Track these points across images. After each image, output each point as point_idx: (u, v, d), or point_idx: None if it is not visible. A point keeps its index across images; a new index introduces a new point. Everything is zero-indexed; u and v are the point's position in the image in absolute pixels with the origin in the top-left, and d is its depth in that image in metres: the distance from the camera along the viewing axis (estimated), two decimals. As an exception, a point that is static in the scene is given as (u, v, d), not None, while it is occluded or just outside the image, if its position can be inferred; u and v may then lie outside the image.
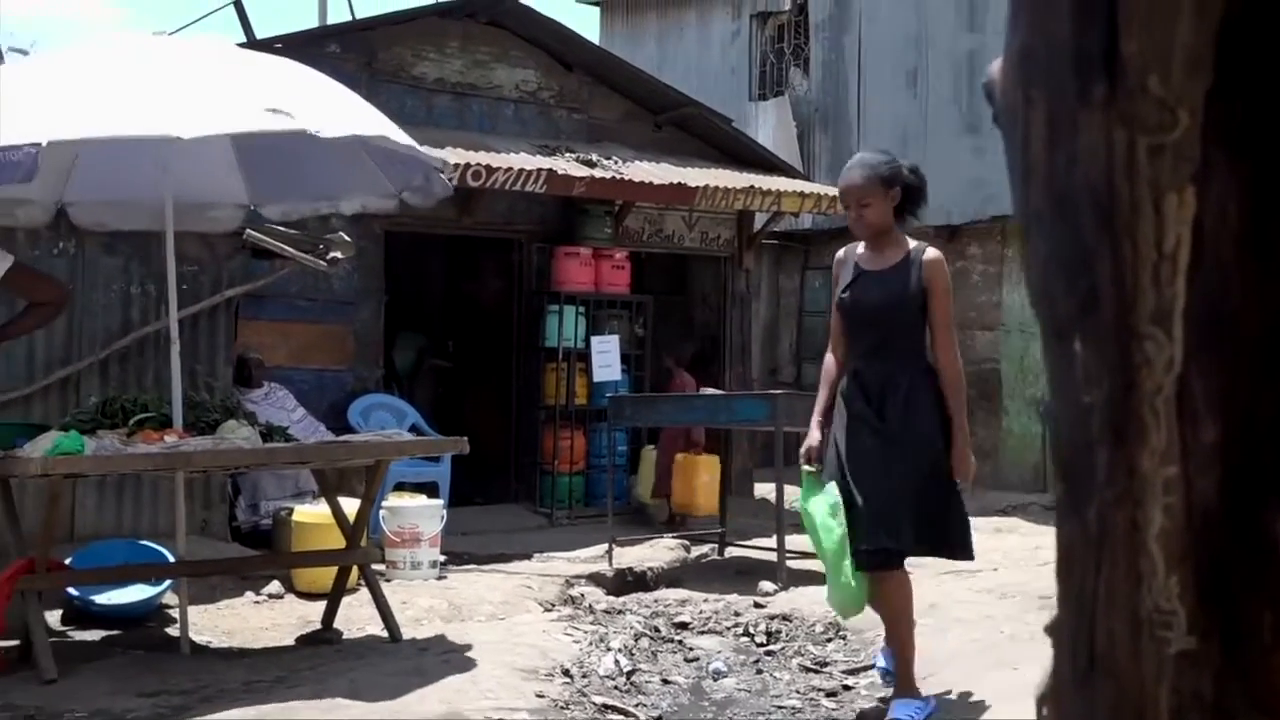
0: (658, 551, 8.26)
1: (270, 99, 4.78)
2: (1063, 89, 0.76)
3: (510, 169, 8.77)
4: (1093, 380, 0.77)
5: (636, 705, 4.87)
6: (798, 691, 5.19)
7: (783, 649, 5.82)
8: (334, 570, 5.97)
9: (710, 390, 9.03)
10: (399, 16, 9.63)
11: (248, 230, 6.90)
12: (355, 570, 5.97)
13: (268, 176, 6.09)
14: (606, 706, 4.73)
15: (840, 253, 4.69)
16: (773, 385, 13.13)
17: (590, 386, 9.80)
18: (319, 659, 5.26)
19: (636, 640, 5.86)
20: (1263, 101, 0.72)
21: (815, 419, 4.64)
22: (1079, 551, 0.80)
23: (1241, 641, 0.74)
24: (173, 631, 5.93)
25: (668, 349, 10.48)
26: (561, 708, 4.64)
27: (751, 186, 10.16)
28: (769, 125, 13.21)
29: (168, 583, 6.09)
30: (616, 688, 5.14)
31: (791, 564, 7.37)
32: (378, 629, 5.80)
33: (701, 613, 6.43)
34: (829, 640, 5.91)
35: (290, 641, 5.80)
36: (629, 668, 5.37)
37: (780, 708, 4.97)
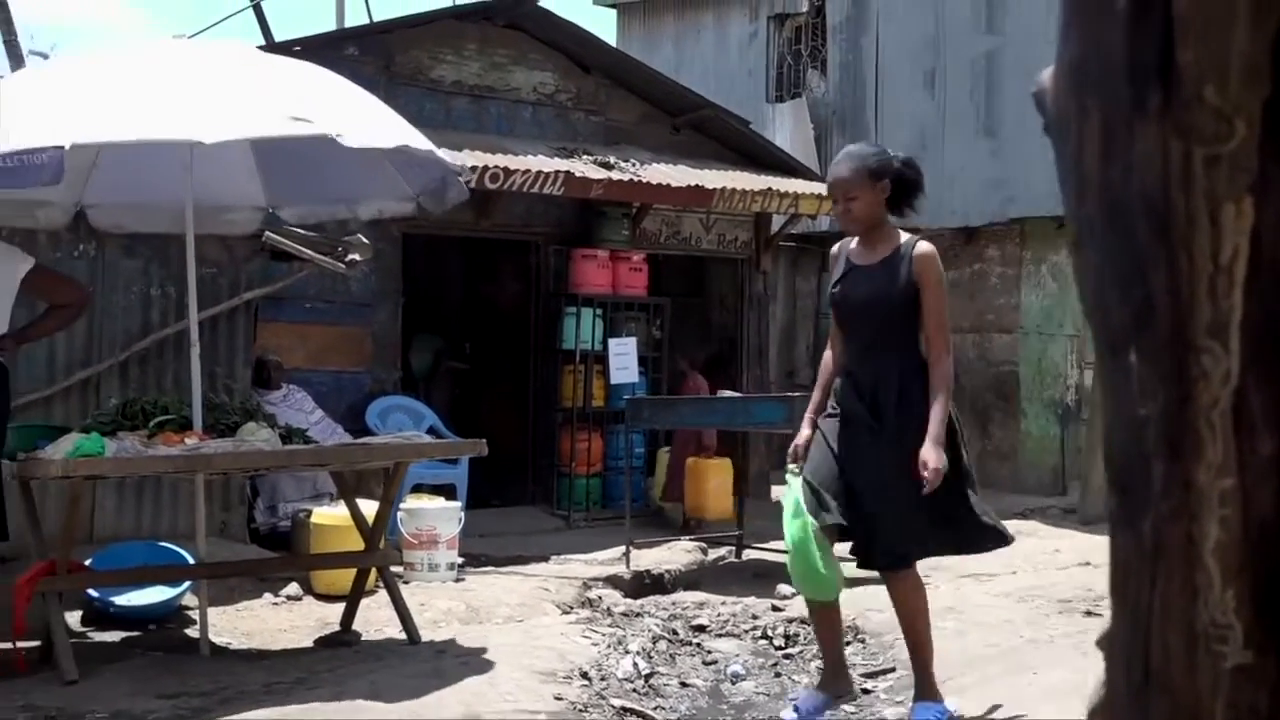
0: (675, 554, 8.26)
1: (292, 104, 4.80)
2: (1117, 99, 0.76)
3: (528, 171, 8.78)
4: (1148, 393, 0.76)
5: (655, 708, 4.86)
6: (816, 695, 5.17)
7: (801, 652, 5.80)
8: (352, 572, 5.98)
9: (727, 393, 9.02)
10: (417, 19, 9.65)
11: (267, 233, 6.92)
12: (373, 572, 5.98)
13: (286, 180, 6.11)
14: (625, 709, 4.73)
15: (835, 247, 4.61)
16: (789, 387, 13.11)
17: (608, 388, 9.80)
18: (338, 661, 5.27)
19: (654, 643, 5.86)
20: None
21: (808, 416, 4.55)
22: (1134, 565, 0.80)
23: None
24: (192, 633, 5.95)
25: (682, 352, 10.48)
26: (580, 710, 4.64)
27: (769, 189, 10.15)
28: (786, 127, 13.19)
29: (187, 584, 6.11)
30: (635, 690, 5.13)
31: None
32: (396, 631, 5.81)
33: (719, 615, 6.43)
34: (847, 644, 5.87)
35: (309, 643, 5.80)
36: (647, 670, 5.37)
37: (799, 711, 4.95)
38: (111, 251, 6.98)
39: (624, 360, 9.71)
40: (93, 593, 5.92)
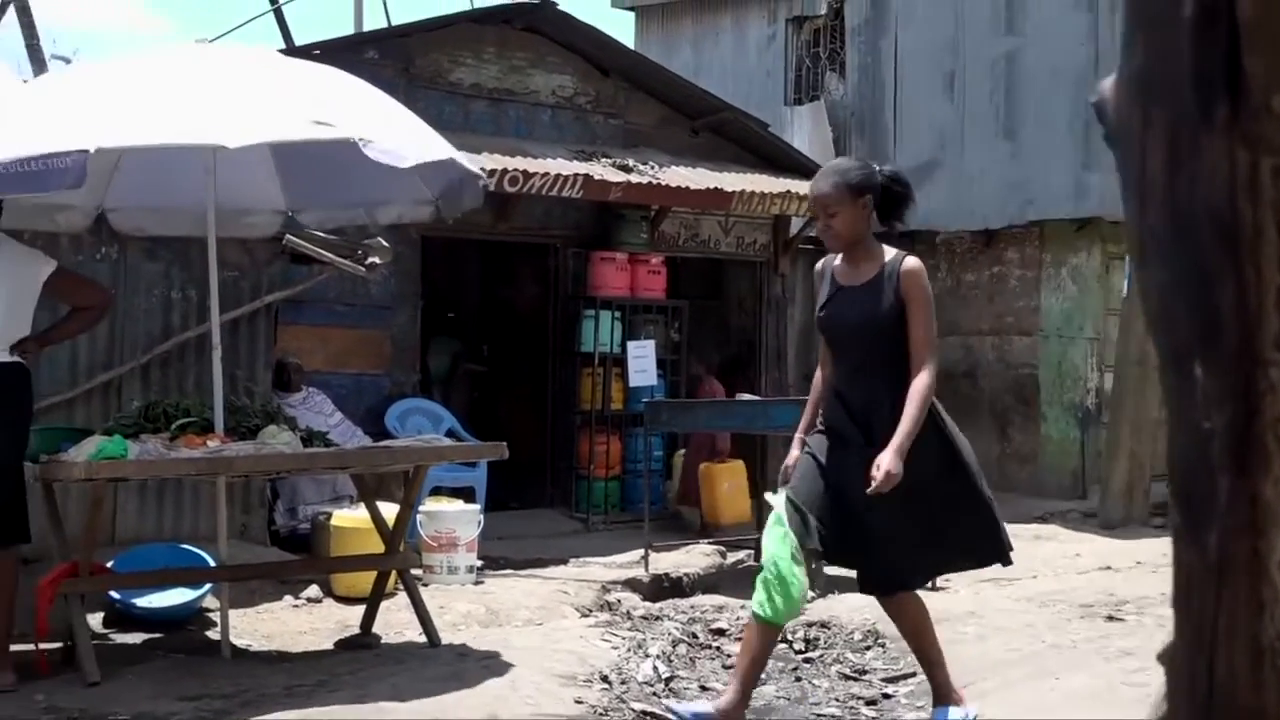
0: (693, 557, 8.25)
1: (314, 108, 4.80)
2: (1183, 109, 0.74)
3: (547, 174, 8.79)
4: (1214, 407, 0.75)
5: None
6: (837, 700, 5.16)
7: (821, 656, 5.79)
8: (372, 575, 5.98)
9: (746, 396, 9.01)
10: (436, 22, 9.66)
11: (287, 235, 6.92)
12: (393, 575, 5.98)
13: (305, 183, 6.12)
14: (646, 713, 4.72)
15: (819, 264, 4.46)
16: (808, 390, 13.06)
17: (626, 391, 9.80)
18: (359, 664, 5.27)
19: (674, 646, 5.85)
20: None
21: (797, 436, 4.41)
22: (1198, 579, 0.78)
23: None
24: (212, 635, 5.96)
25: (698, 356, 10.47)
26: (601, 714, 4.64)
27: (788, 191, 10.14)
28: (805, 130, 13.17)
29: (208, 586, 6.12)
30: (655, 694, 5.12)
31: (828, 571, 7.33)
32: (416, 634, 5.81)
33: (739, 619, 6.40)
34: (868, 648, 5.87)
35: (329, 646, 5.81)
36: (667, 674, 5.36)
37: (820, 716, 4.94)
38: (133, 255, 7.01)
39: (642, 363, 9.71)
40: (114, 594, 5.94)
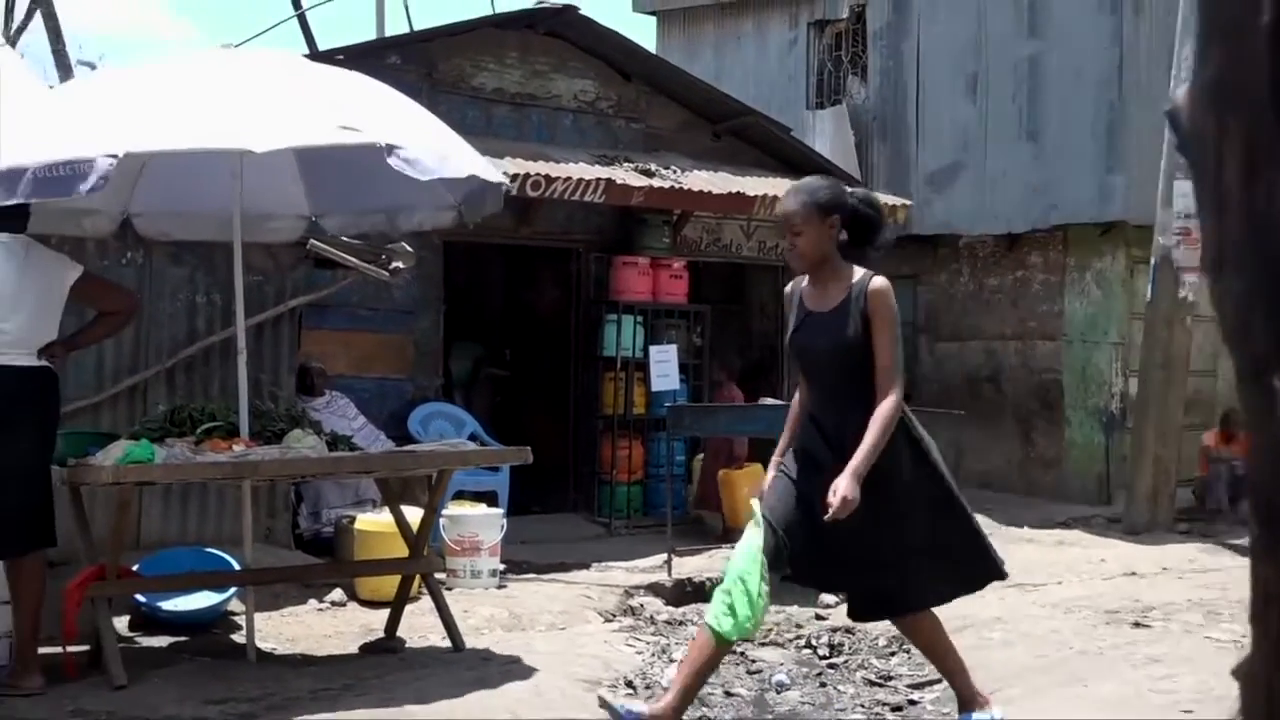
0: (716, 562, 8.22)
1: (340, 113, 4.82)
2: (1261, 118, 0.73)
3: (569, 179, 8.79)
4: (1293, 419, 0.73)
5: (700, 718, 4.84)
6: (862, 706, 5.14)
7: (846, 662, 5.76)
8: (396, 578, 5.99)
9: (769, 400, 8.99)
10: (458, 27, 9.68)
11: (311, 240, 6.96)
12: (417, 578, 5.99)
13: (329, 189, 6.13)
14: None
15: (788, 287, 4.36)
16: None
17: (648, 396, 9.80)
18: (384, 668, 5.28)
19: (699, 652, 5.82)
20: None
21: (774, 460, 4.32)
22: (1276, 594, 0.77)
23: None
24: (237, 638, 5.98)
25: (720, 361, 10.46)
26: None
27: (810, 195, 10.10)
28: (827, 134, 13.15)
29: (233, 590, 6.14)
30: (680, 700, 5.11)
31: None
32: (439, 638, 5.81)
33: (763, 624, 6.39)
34: (892, 654, 5.85)
35: (354, 649, 5.82)
36: (692, 680, 5.34)
37: (845, 722, 4.93)
38: (158, 259, 7.04)
39: (665, 368, 9.69)
40: (140, 598, 5.96)
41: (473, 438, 8.55)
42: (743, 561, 4.07)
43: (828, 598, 6.99)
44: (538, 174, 8.65)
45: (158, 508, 6.94)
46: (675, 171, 9.75)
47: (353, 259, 7.30)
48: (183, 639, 5.94)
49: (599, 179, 8.96)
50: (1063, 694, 4.89)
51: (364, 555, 6.66)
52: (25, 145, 4.72)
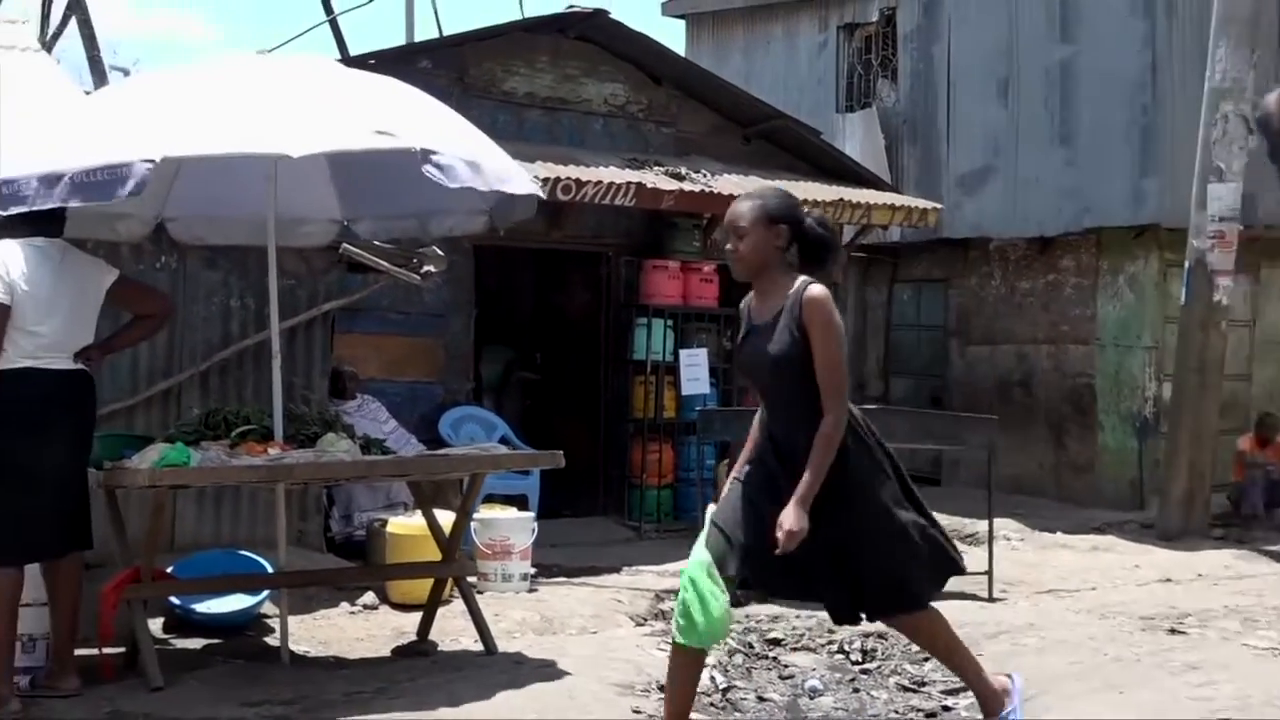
0: (747, 567, 8.20)
1: (375, 118, 4.83)
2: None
3: (599, 183, 8.80)
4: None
5: (733, 723, 4.83)
6: (896, 711, 5.12)
7: (879, 667, 5.74)
8: (428, 582, 6.01)
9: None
10: (489, 32, 9.70)
11: (344, 245, 6.99)
12: (449, 582, 6.00)
13: (361, 193, 6.15)
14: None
15: (742, 303, 4.28)
16: (859, 400, 12.97)
17: (679, 400, 9.79)
18: (416, 671, 5.29)
19: (730, 656, 5.82)
20: None
21: (733, 475, 4.24)
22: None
23: None
24: (271, 641, 6.01)
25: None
26: (658, 724, 4.62)
27: (841, 199, 10.09)
28: (857, 137, 13.11)
29: (265, 592, 6.16)
30: (713, 704, 5.11)
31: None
32: (471, 641, 5.82)
33: (794, 629, 6.37)
34: (926, 659, 5.79)
35: (386, 652, 5.84)
36: (724, 684, 5.34)
37: (879, 727, 4.90)
38: (192, 263, 7.08)
39: (695, 371, 9.70)
40: (174, 600, 5.99)
41: (503, 441, 8.57)
42: (691, 567, 3.99)
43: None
44: (568, 178, 8.66)
45: (191, 510, 6.98)
46: (705, 175, 9.74)
47: (384, 263, 7.32)
48: (216, 641, 5.97)
49: (629, 183, 8.96)
50: (1099, 701, 4.85)
51: (396, 558, 6.68)
52: (63, 150, 4.76)
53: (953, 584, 7.61)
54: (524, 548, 7.23)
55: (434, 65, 9.27)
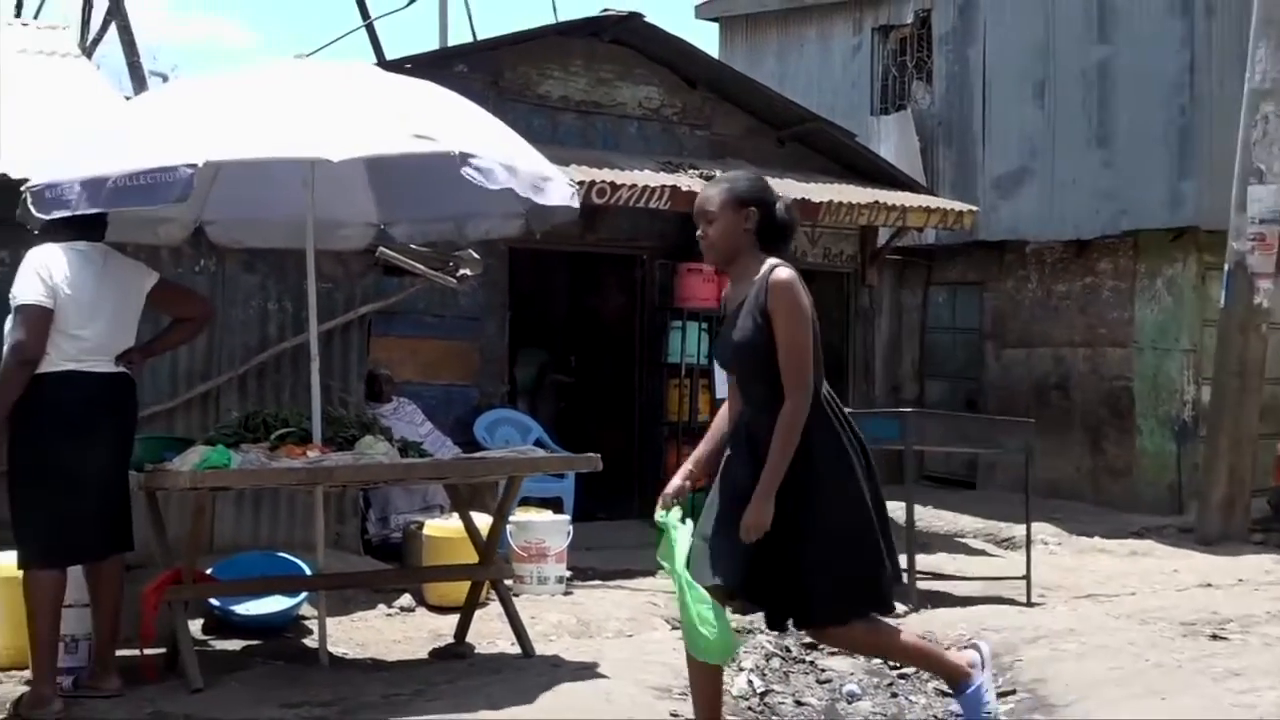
0: (782, 570, 8.17)
1: (415, 121, 4.85)
2: None
3: (634, 186, 8.80)
4: None
5: (771, 727, 4.82)
6: (935, 716, 5.11)
7: (917, 672, 5.69)
8: (465, 585, 6.02)
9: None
10: (524, 36, 9.73)
11: (380, 248, 7.01)
12: (485, 585, 6.01)
13: (398, 197, 6.16)
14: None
15: (724, 293, 4.22)
16: (895, 403, 12.96)
17: (713, 403, 9.77)
18: (454, 673, 5.30)
19: (768, 660, 5.81)
20: None
21: (685, 466, 4.12)
22: None
23: None
24: (309, 642, 6.03)
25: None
26: (696, 728, 4.60)
27: (875, 202, 10.06)
28: (891, 140, 13.07)
29: (304, 594, 6.19)
30: (750, 709, 5.10)
31: (921, 585, 7.25)
32: (508, 644, 5.83)
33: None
34: (965, 664, 5.77)
35: (423, 654, 5.85)
36: (762, 689, 5.33)
37: (918, 733, 4.88)
38: (231, 267, 7.12)
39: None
40: (214, 601, 6.02)
41: (538, 444, 8.57)
42: (678, 587, 3.89)
43: (898, 606, 6.92)
44: (603, 181, 8.67)
45: (230, 512, 7.02)
46: (740, 178, 9.72)
47: (421, 266, 7.35)
48: (255, 642, 6.00)
49: (664, 186, 8.95)
50: (1140, 707, 4.80)
51: (433, 561, 6.70)
52: (106, 154, 4.80)
53: (991, 588, 7.67)
54: (559, 550, 7.24)
55: (469, 69, 9.30)
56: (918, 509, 7.68)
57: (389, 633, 6.30)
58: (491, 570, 5.78)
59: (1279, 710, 4.65)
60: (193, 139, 4.63)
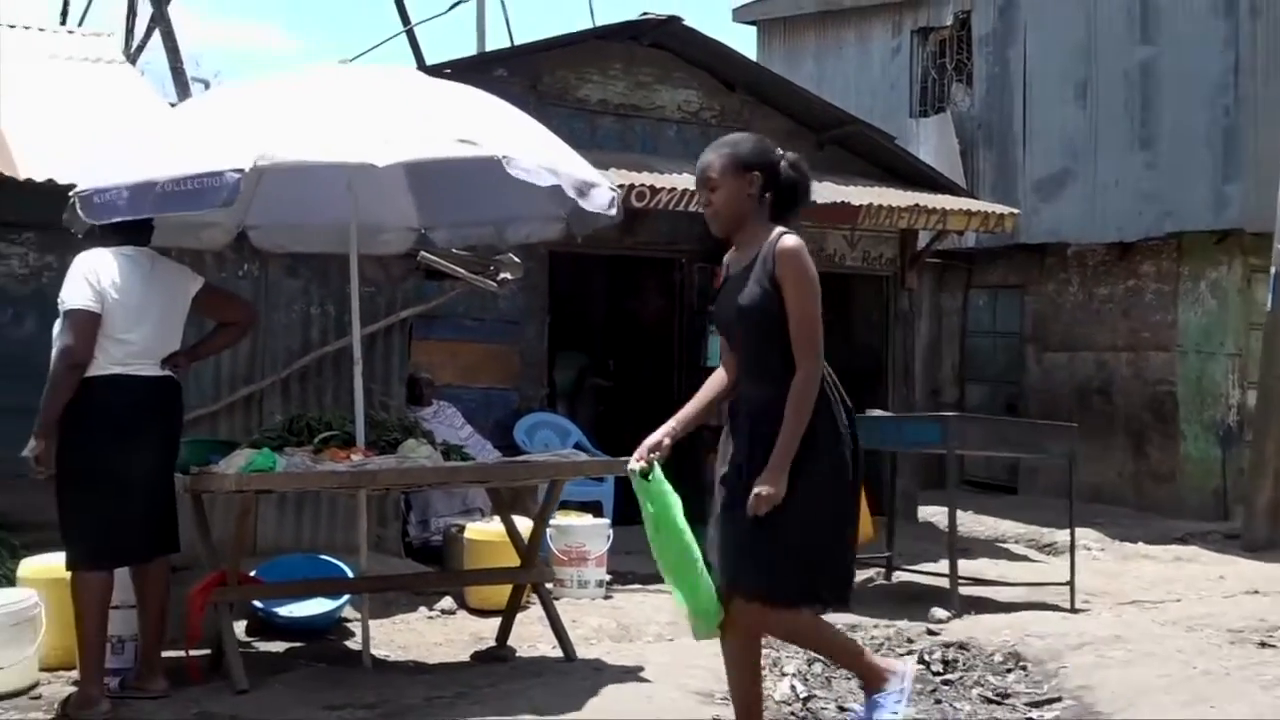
0: (823, 574, 8.13)
1: (458, 126, 4.86)
2: None
3: (673, 189, 8.79)
4: None
5: (815, 732, 4.79)
6: (979, 723, 5.05)
7: (961, 679, 5.65)
8: (506, 588, 6.02)
9: (876, 412, 8.88)
10: (563, 40, 9.74)
11: (422, 252, 7.03)
12: (526, 588, 6.02)
13: (439, 201, 6.18)
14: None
15: (725, 256, 4.04)
16: (934, 406, 12.90)
17: (751, 406, 9.73)
18: (496, 677, 5.30)
19: (810, 665, 5.77)
20: None
21: (669, 424, 4.01)
22: None
23: None
24: (351, 645, 6.06)
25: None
26: (739, 733, 4.58)
27: (915, 204, 10.00)
28: (930, 142, 13.01)
29: (346, 597, 6.22)
30: (793, 714, 5.07)
31: (963, 590, 7.20)
32: (549, 647, 5.83)
33: (873, 638, 6.31)
34: (1009, 671, 5.73)
35: (465, 657, 5.86)
36: (805, 694, 5.30)
37: (962, 740, 4.84)
38: (274, 271, 7.16)
39: (768, 378, 9.64)
40: (257, 603, 6.05)
41: (578, 447, 8.57)
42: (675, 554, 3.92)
43: (939, 612, 6.88)
44: (642, 185, 8.66)
45: (272, 515, 7.05)
46: (779, 181, 9.69)
47: (461, 270, 7.37)
48: (298, 644, 6.03)
49: (703, 189, 8.93)
50: (1189, 714, 4.75)
51: (474, 564, 6.72)
52: (153, 160, 4.83)
53: (1034, 594, 7.61)
54: (599, 554, 7.24)
55: (509, 73, 9.33)
56: (958, 514, 7.62)
57: (430, 635, 6.32)
58: (534, 574, 5.79)
59: (1331, 719, 4.59)
60: (239, 144, 4.65)
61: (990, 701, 5.29)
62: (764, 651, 5.97)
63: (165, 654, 5.06)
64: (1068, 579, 7.30)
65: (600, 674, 5.28)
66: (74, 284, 4.85)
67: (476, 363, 9.11)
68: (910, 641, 6.30)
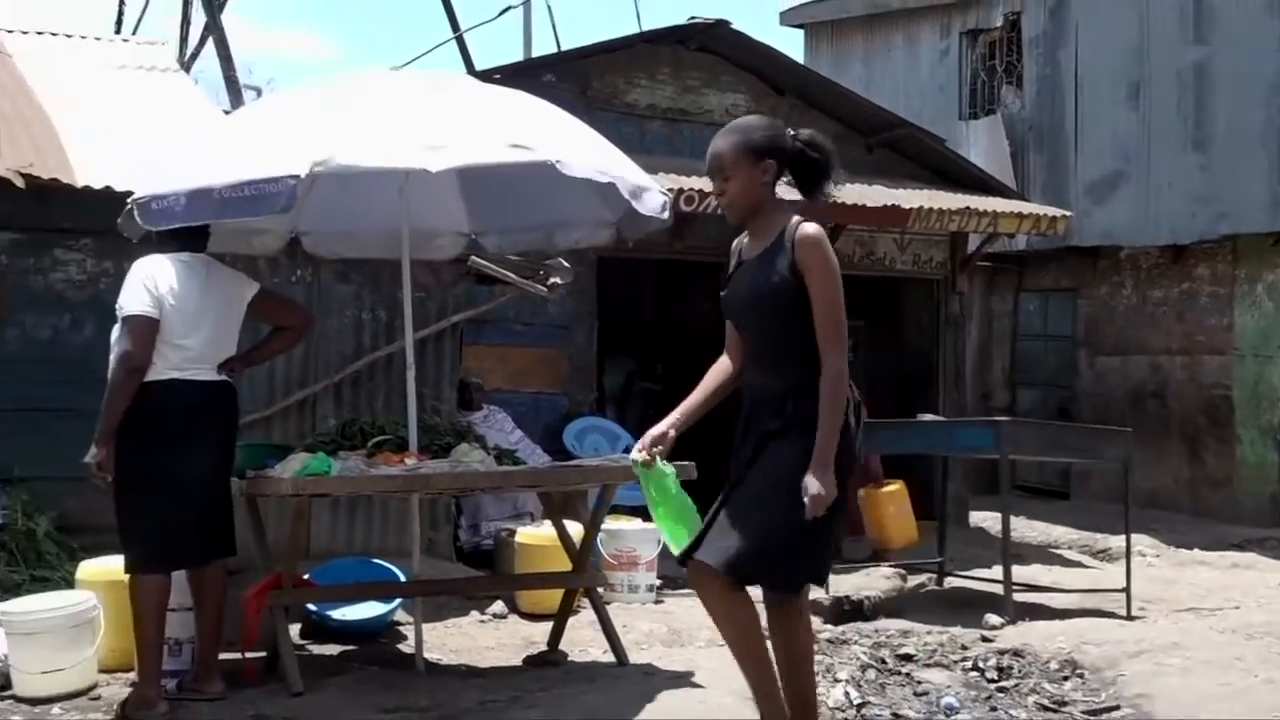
0: (874, 580, 8.09)
1: (511, 131, 4.87)
2: None
3: (723, 193, 8.77)
4: None
5: (871, 738, 4.75)
6: (1035, 732, 5.00)
7: (1016, 686, 5.60)
8: (558, 592, 6.03)
9: (928, 416, 8.83)
10: (612, 45, 9.76)
11: (473, 257, 7.06)
12: (578, 592, 6.02)
13: (489, 206, 6.19)
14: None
15: (735, 242, 3.95)
16: (985, 410, 12.80)
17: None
18: (548, 681, 5.30)
19: (863, 671, 5.73)
20: None
21: (673, 415, 4.01)
22: None
23: None
24: (404, 648, 6.08)
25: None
26: (794, 739, 4.55)
27: (966, 208, 9.93)
28: (980, 145, 12.91)
29: (398, 600, 6.25)
30: (847, 720, 5.04)
31: (1018, 597, 7.13)
32: (600, 651, 5.83)
33: (926, 645, 6.26)
34: (1065, 679, 5.67)
35: (517, 661, 5.87)
36: (859, 700, 5.26)
37: (1019, 748, 4.79)
38: (327, 277, 7.22)
39: (818, 382, 9.58)
40: (311, 607, 6.09)
41: (627, 451, 8.54)
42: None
43: (993, 618, 6.83)
44: (691, 189, 8.65)
45: (325, 518, 7.10)
46: (829, 185, 9.65)
47: (512, 275, 7.40)
48: (351, 648, 6.06)
49: (752, 193, 8.91)
50: (1252, 725, 4.68)
51: (525, 568, 6.73)
52: (209, 166, 4.87)
53: (1089, 600, 7.53)
54: (650, 559, 7.23)
55: (557, 78, 9.35)
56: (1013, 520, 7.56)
57: (482, 639, 6.34)
58: (585, 578, 5.79)
59: (1396, 729, 4.51)
60: (295, 150, 4.67)
61: (1047, 709, 5.24)
62: (819, 657, 5.97)
63: (222, 656, 5.11)
64: (1123, 585, 7.22)
65: (652, 678, 5.27)
66: (132, 290, 4.90)
67: (526, 367, 9.13)
68: (964, 648, 6.24)
